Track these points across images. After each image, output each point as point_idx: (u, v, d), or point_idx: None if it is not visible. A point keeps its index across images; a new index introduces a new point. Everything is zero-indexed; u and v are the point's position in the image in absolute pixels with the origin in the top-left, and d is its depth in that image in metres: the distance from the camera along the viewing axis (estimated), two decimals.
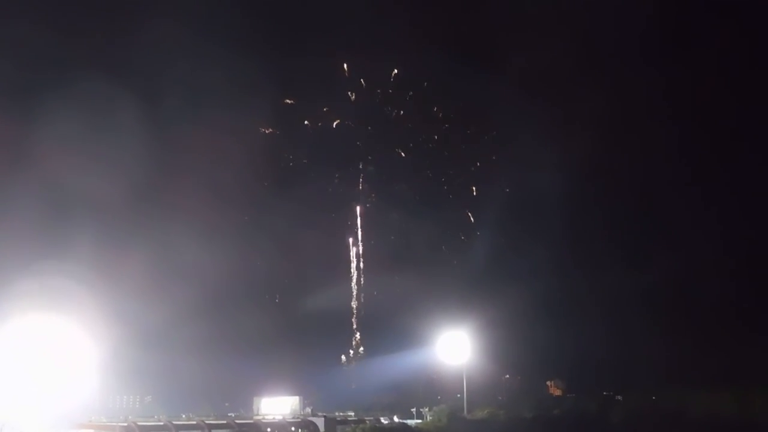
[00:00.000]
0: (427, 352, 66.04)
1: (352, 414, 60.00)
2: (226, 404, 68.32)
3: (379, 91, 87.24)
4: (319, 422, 53.21)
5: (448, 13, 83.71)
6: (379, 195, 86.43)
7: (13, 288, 55.49)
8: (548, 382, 77.30)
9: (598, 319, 73.40)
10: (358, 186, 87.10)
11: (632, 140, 79.01)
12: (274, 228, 78.66)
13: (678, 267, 72.40)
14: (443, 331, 62.43)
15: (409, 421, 59.26)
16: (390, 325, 77.74)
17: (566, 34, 78.24)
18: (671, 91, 78.31)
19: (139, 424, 47.97)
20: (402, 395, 70.60)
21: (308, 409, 59.37)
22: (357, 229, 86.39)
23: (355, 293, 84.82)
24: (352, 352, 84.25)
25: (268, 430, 52.12)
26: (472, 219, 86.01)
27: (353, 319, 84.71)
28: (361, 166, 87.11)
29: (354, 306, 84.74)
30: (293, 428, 53.01)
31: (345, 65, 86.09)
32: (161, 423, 49.70)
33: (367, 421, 55.87)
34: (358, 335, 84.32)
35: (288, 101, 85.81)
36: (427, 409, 62.11)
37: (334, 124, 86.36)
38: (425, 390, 73.62)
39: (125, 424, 47.46)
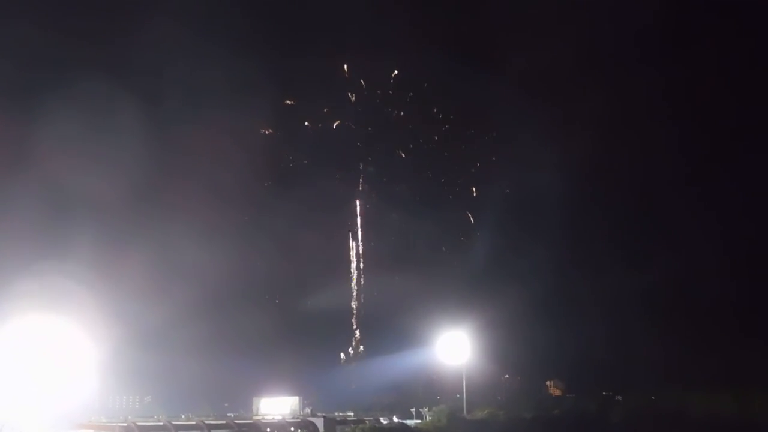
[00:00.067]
0: (427, 353, 66.07)
1: (352, 414, 59.92)
2: (226, 404, 68.26)
3: (379, 91, 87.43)
4: (319, 422, 53.11)
5: (448, 13, 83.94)
6: (379, 195, 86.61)
7: (13, 288, 55.47)
8: (548, 383, 77.33)
9: (598, 319, 73.44)
10: (359, 186, 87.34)
11: (632, 140, 79.05)
12: (274, 228, 78.76)
13: (678, 267, 72.45)
14: (443, 331, 62.45)
15: (409, 422, 59.20)
16: (390, 326, 77.88)
17: (566, 34, 78.26)
18: (671, 91, 78.40)
19: (139, 424, 47.86)
20: (401, 395, 70.57)
21: (308, 410, 59.24)
22: (357, 229, 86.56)
23: (354, 293, 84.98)
24: (351, 350, 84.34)
25: (268, 430, 52.02)
26: (472, 219, 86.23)
27: (353, 320, 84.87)
28: (361, 167, 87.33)
29: (354, 306, 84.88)
30: (293, 428, 52.87)
31: (345, 66, 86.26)
32: (161, 423, 49.54)
33: (367, 422, 55.78)
34: (358, 333, 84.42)
35: (288, 102, 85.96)
36: (426, 410, 62.02)
37: (335, 124, 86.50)
38: (425, 390, 73.67)
39: (125, 425, 47.37)
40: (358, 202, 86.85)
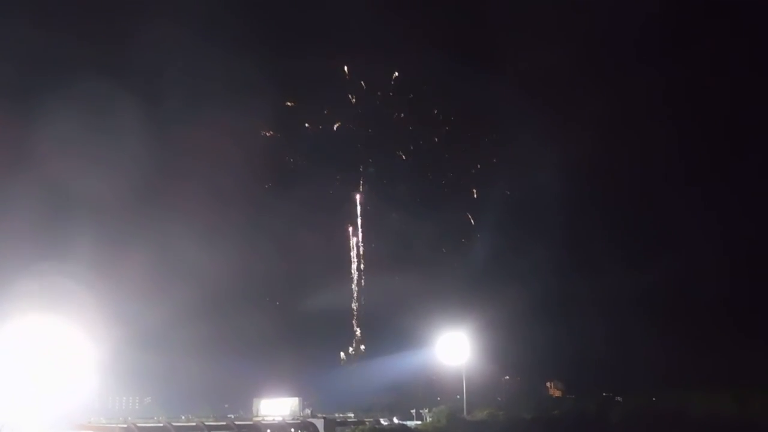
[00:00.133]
0: (427, 353, 66.05)
1: (352, 415, 59.93)
2: (226, 405, 68.37)
3: (379, 93, 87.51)
4: (319, 423, 53.12)
5: (448, 15, 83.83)
6: (379, 197, 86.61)
7: (13, 288, 55.52)
8: (548, 383, 77.22)
9: (598, 319, 73.43)
10: (359, 188, 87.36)
11: (632, 140, 79.00)
12: (275, 229, 78.73)
13: (678, 267, 72.32)
14: (443, 332, 62.38)
15: (409, 422, 59.12)
16: (390, 326, 77.87)
17: (566, 34, 78.36)
18: (671, 91, 78.36)
19: (139, 425, 47.91)
20: (401, 396, 70.61)
21: (308, 411, 59.27)
22: (357, 230, 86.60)
23: (355, 294, 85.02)
24: (352, 349, 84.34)
25: (268, 431, 52.12)
26: (472, 221, 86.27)
27: (353, 320, 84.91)
28: (361, 168, 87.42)
29: (354, 307, 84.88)
30: (293, 429, 52.89)
31: (345, 67, 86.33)
32: (161, 424, 49.55)
33: (367, 423, 55.80)
34: (358, 331, 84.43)
35: (289, 103, 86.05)
36: (426, 410, 62.05)
37: (335, 126, 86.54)
38: (425, 391, 73.63)
39: (125, 426, 47.42)
40: (358, 203, 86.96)
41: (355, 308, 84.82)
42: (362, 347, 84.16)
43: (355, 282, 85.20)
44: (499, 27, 79.83)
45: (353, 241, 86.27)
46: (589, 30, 77.83)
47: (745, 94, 75.97)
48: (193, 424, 50.53)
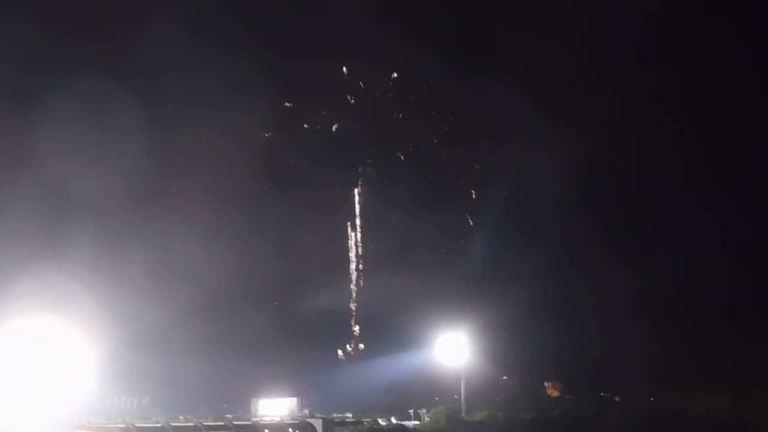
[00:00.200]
0: (426, 354, 65.96)
1: (350, 415, 59.88)
2: (224, 406, 68.42)
3: (378, 93, 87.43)
4: (317, 424, 53.12)
5: (448, 15, 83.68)
6: (378, 197, 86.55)
7: (12, 289, 55.58)
8: (546, 384, 77.06)
9: (597, 320, 73.22)
10: (358, 189, 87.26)
11: (632, 140, 78.83)
12: (274, 229, 78.80)
13: (677, 267, 72.11)
14: (441, 332, 62.23)
15: (407, 423, 59.12)
16: (388, 327, 77.86)
17: (566, 34, 78.19)
18: (671, 91, 78.22)
19: (137, 425, 48.05)
20: (400, 397, 70.51)
21: (306, 411, 59.39)
22: (356, 230, 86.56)
23: (354, 295, 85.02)
24: (350, 348, 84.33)
25: (266, 431, 52.13)
26: (471, 222, 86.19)
27: (352, 321, 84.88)
28: (360, 169, 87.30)
29: (353, 307, 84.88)
30: (291, 430, 52.96)
31: (344, 68, 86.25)
32: (159, 425, 49.62)
33: (365, 423, 55.82)
34: (357, 328, 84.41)
35: (287, 104, 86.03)
36: (424, 411, 62.03)
37: (334, 127, 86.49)
38: (423, 391, 73.53)
39: (123, 426, 47.56)
40: (357, 204, 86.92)
41: (353, 309, 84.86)
42: (361, 346, 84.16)
43: (354, 282, 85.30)
44: (499, 27, 79.64)
45: (352, 241, 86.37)
46: (589, 30, 77.73)
47: (745, 94, 75.78)
48: (192, 424, 50.61)
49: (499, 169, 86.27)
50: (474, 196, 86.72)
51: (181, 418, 54.92)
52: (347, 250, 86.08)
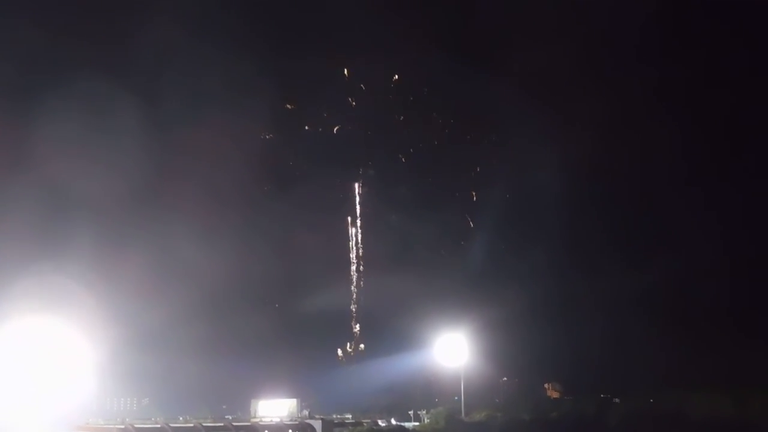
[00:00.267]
0: (425, 355, 66.01)
1: (350, 416, 59.89)
2: (224, 406, 68.50)
3: (379, 95, 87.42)
4: (317, 425, 53.07)
5: (448, 15, 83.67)
6: (378, 198, 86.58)
7: (11, 289, 55.61)
8: (546, 385, 77.11)
9: (597, 320, 73.28)
10: (358, 190, 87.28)
11: (632, 140, 78.80)
12: (274, 230, 78.81)
13: (677, 268, 72.09)
14: (441, 333, 62.28)
15: (407, 424, 59.20)
16: (388, 328, 77.90)
17: (566, 34, 78.16)
18: (671, 91, 78.18)
19: (136, 426, 47.89)
20: (400, 397, 70.61)
21: (305, 412, 59.31)
22: (357, 231, 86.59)
23: (354, 296, 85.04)
24: (350, 348, 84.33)
25: None
26: (471, 223, 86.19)
27: (352, 321, 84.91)
28: (361, 171, 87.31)
29: (353, 308, 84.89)
30: (290, 431, 52.92)
31: (345, 70, 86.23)
32: (158, 425, 49.48)
33: (365, 424, 55.81)
34: (357, 327, 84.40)
35: (288, 106, 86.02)
36: (424, 412, 62.06)
37: (335, 129, 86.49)
38: (423, 392, 73.60)
39: (122, 427, 47.39)
40: (357, 205, 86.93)
41: (353, 309, 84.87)
42: (361, 346, 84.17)
43: (354, 283, 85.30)
44: (499, 27, 79.74)
45: (352, 242, 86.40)
46: (589, 30, 77.70)
47: (745, 94, 75.69)
48: (191, 425, 50.50)
49: (499, 169, 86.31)
50: (474, 197, 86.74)
51: (180, 418, 54.88)
52: (347, 250, 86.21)
